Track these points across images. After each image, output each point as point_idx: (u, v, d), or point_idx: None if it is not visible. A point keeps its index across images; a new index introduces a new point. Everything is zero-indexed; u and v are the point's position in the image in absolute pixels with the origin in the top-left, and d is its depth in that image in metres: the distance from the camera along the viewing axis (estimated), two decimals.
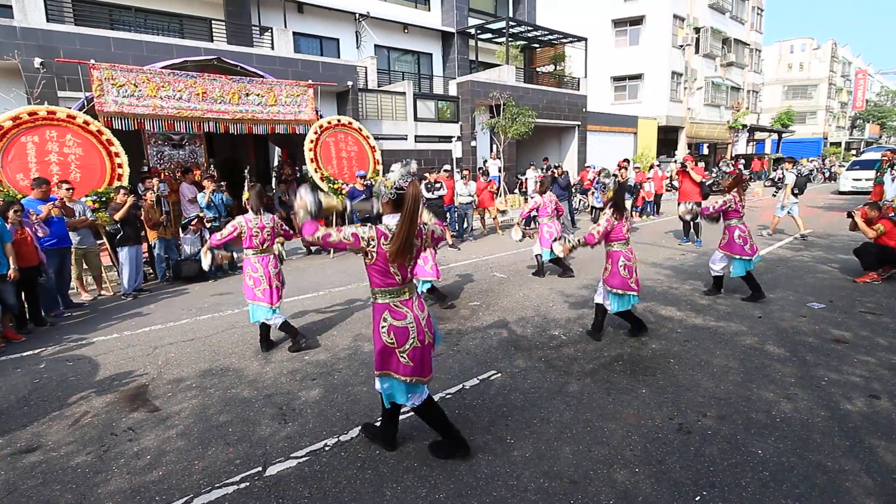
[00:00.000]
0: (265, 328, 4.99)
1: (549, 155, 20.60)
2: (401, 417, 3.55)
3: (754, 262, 5.99)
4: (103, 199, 8.15)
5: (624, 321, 5.09)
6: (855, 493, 2.70)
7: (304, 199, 2.70)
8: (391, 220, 2.74)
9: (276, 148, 11.54)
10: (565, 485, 2.83)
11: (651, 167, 15.09)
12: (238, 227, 4.72)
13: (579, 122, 20.38)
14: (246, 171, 5.11)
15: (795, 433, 3.25)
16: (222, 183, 9.41)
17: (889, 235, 6.70)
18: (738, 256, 5.92)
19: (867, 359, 4.34)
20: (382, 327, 2.83)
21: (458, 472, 2.96)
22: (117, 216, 7.23)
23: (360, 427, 3.42)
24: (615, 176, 4.92)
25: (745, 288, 6.21)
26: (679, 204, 10.09)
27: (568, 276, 7.56)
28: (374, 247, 2.70)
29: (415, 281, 6.06)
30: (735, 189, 6.04)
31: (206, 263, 5.00)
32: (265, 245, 4.85)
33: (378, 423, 3.35)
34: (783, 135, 36.90)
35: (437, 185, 11.08)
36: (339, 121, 12.02)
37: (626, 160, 15.01)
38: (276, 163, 11.39)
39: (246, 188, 4.79)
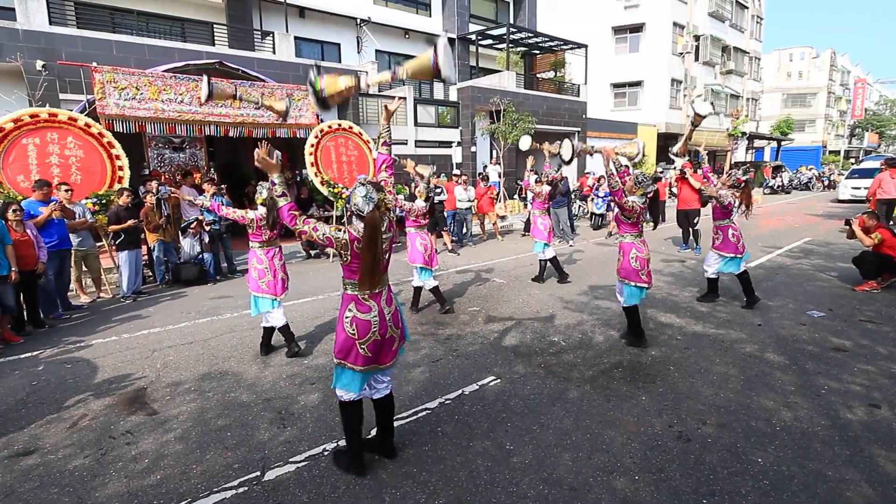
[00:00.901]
0: (268, 332, 4.99)
1: (549, 161, 20.62)
2: (397, 423, 3.56)
3: (745, 259, 6.10)
4: (103, 201, 8.15)
5: (627, 325, 5.09)
6: (856, 502, 2.69)
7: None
8: (360, 225, 2.79)
9: (277, 152, 11.54)
10: (565, 492, 2.82)
11: (655, 173, 15.06)
12: (246, 220, 4.81)
13: (579, 129, 20.42)
14: (270, 182, 5.07)
15: (796, 442, 3.25)
16: (222, 186, 9.41)
17: (888, 244, 6.71)
18: (731, 255, 6.03)
19: (867, 367, 4.34)
20: (346, 318, 2.89)
21: (458, 478, 2.95)
22: (112, 228, 7.24)
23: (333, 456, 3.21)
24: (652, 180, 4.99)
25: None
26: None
27: (565, 281, 7.56)
28: (347, 250, 2.79)
29: (415, 269, 6.11)
30: (747, 199, 6.13)
31: (203, 92, 4.73)
32: (272, 239, 4.88)
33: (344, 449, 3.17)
34: (782, 143, 37.00)
35: (438, 190, 11.09)
36: (339, 125, 12.04)
37: (626, 166, 15.02)
38: None
39: (266, 194, 4.78)
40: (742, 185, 6.18)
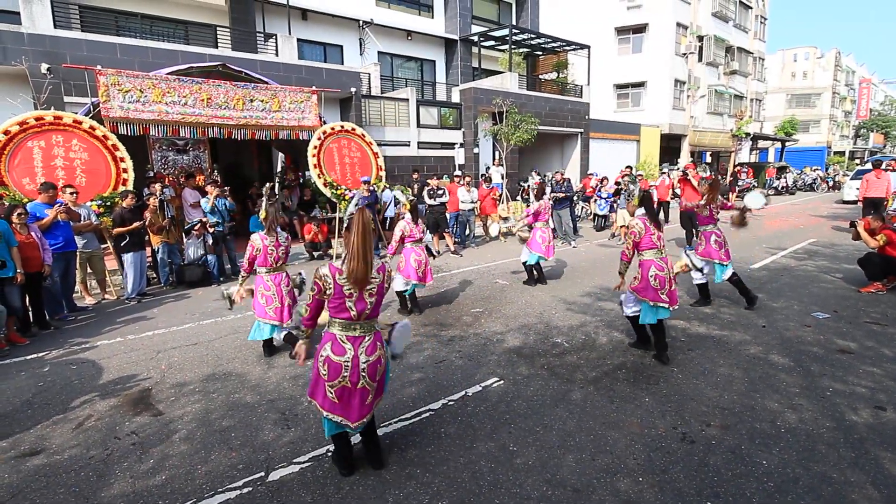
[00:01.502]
0: (268, 340, 5.01)
1: (551, 162, 20.64)
2: (400, 425, 3.57)
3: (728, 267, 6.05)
4: (108, 203, 8.19)
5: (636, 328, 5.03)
6: None
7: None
8: (344, 251, 2.85)
9: (280, 153, 11.62)
10: (568, 493, 2.82)
11: (662, 173, 15.02)
12: (255, 247, 4.75)
13: (582, 130, 20.40)
14: (266, 187, 5.14)
15: (800, 444, 3.24)
16: (226, 188, 9.45)
17: (893, 246, 6.68)
18: (716, 261, 5.99)
19: (872, 369, 4.32)
20: (321, 356, 2.84)
21: (461, 479, 2.95)
22: (118, 231, 7.28)
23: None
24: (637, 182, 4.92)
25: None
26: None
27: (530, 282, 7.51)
28: (330, 283, 2.78)
29: (409, 283, 6.10)
30: (712, 195, 6.06)
31: (231, 297, 5.02)
32: (278, 263, 4.86)
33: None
34: (786, 143, 36.88)
35: (440, 192, 11.10)
36: (342, 127, 12.08)
37: (630, 167, 15.04)
38: (279, 168, 11.44)
39: (264, 205, 4.80)
40: (711, 181, 6.15)
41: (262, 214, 4.84)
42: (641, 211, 4.66)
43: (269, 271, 4.82)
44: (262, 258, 4.77)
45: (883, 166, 11.99)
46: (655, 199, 14.66)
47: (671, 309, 4.54)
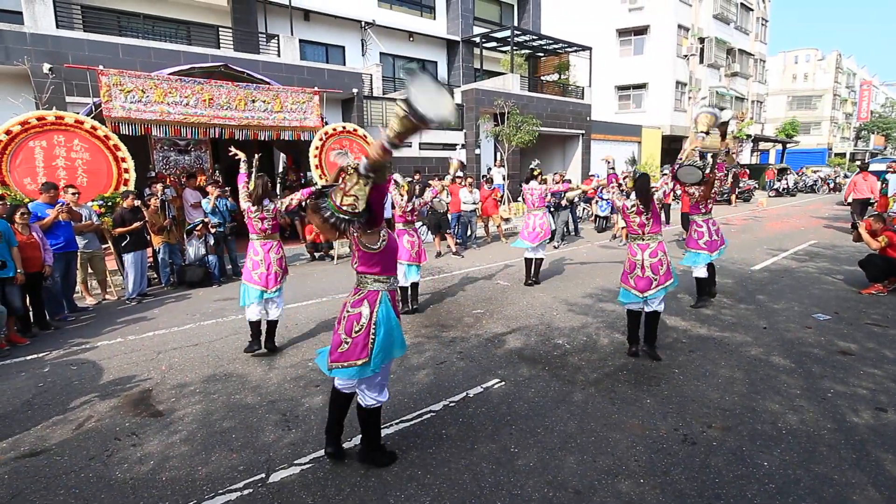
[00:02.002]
0: (270, 326, 5.07)
1: (553, 163, 20.65)
2: (401, 426, 3.57)
3: (713, 258, 6.16)
4: (109, 203, 8.20)
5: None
6: None
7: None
8: None
9: (282, 154, 11.63)
10: (570, 495, 2.81)
11: (664, 175, 15.01)
12: (242, 209, 4.92)
13: (583, 131, 20.40)
14: (256, 157, 5.16)
15: (801, 445, 3.23)
16: (227, 189, 9.45)
17: (894, 247, 6.67)
18: (691, 250, 6.18)
19: (873, 371, 4.32)
20: None
21: (462, 481, 2.95)
22: (117, 231, 7.28)
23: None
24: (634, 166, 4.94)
25: (751, 298, 6.20)
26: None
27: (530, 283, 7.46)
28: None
29: (402, 266, 6.04)
30: (706, 190, 6.19)
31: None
32: (267, 232, 4.93)
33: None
34: (787, 145, 36.85)
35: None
36: (344, 127, 12.08)
37: (632, 152, 15.04)
38: (280, 169, 11.44)
39: (252, 178, 4.88)
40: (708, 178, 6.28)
41: (251, 186, 4.87)
42: (636, 197, 4.61)
43: (258, 238, 4.91)
44: (250, 225, 4.89)
45: (884, 168, 12.20)
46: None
47: (643, 296, 4.54)
